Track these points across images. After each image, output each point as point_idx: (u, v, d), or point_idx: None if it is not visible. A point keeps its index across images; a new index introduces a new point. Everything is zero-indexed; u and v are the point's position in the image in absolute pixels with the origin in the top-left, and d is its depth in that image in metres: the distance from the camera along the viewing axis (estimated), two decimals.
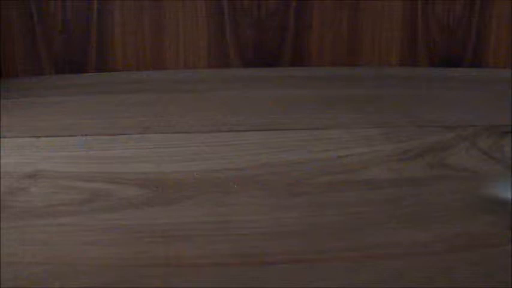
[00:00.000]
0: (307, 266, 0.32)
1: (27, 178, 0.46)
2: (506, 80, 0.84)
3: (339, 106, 0.69)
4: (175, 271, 0.32)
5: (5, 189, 0.43)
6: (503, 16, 0.96)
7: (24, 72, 0.95)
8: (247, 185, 0.44)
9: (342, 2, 0.97)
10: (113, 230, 0.37)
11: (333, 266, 0.32)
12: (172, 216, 0.39)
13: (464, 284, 0.30)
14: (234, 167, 0.48)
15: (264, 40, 0.98)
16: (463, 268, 0.32)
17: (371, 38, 0.98)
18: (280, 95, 0.75)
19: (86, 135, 0.57)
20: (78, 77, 0.92)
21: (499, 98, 0.71)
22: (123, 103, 0.72)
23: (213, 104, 0.71)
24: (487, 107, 0.68)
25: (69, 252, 0.34)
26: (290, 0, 0.96)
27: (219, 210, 0.40)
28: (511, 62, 0.97)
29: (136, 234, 0.36)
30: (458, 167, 0.48)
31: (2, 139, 0.56)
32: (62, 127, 0.60)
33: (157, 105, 0.70)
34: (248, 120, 0.62)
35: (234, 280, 0.31)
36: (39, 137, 0.57)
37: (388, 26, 0.98)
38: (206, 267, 0.32)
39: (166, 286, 0.30)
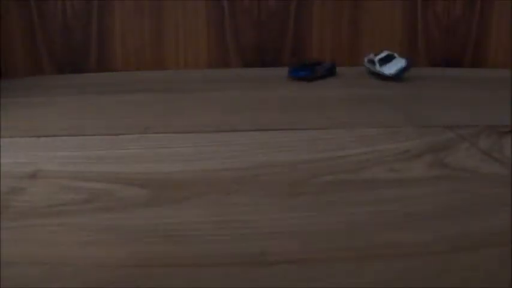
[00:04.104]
0: (307, 266, 0.32)
1: (27, 178, 0.46)
2: (506, 80, 0.84)
3: (339, 106, 0.69)
4: (175, 271, 0.32)
5: (5, 189, 0.43)
6: (503, 16, 0.96)
7: (24, 72, 0.95)
8: (247, 185, 0.44)
9: (342, 2, 0.97)
10: (113, 230, 0.37)
11: (333, 266, 0.32)
12: (172, 216, 0.39)
13: (464, 284, 0.30)
14: (234, 167, 0.48)
15: (264, 40, 0.98)
16: (463, 268, 0.32)
17: (371, 38, 0.98)
18: (280, 95, 0.75)
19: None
20: (78, 77, 0.92)
21: (499, 98, 0.71)
22: (123, 103, 0.72)
23: (213, 104, 0.71)
24: (487, 107, 0.68)
25: (69, 252, 0.34)
26: (290, 0, 0.96)
27: (219, 210, 0.40)
28: (511, 62, 0.97)
29: (136, 234, 0.36)
30: (458, 167, 0.48)
31: (2, 139, 0.56)
32: (62, 127, 0.60)
33: (157, 105, 0.70)
34: (248, 120, 0.62)
35: (234, 280, 0.31)
36: (39, 137, 0.57)
37: (388, 26, 0.98)
38: (206, 267, 0.32)
39: (166, 286, 0.30)
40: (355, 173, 0.46)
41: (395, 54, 0.82)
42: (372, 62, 0.84)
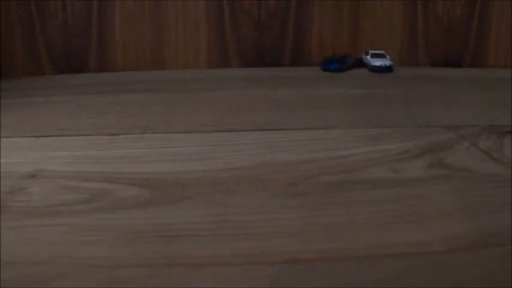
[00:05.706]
0: (307, 266, 0.32)
1: (27, 178, 0.46)
2: (506, 80, 0.84)
3: (339, 106, 0.69)
4: (175, 271, 0.32)
5: (5, 189, 0.43)
6: (503, 16, 0.96)
7: (24, 72, 0.95)
8: (247, 185, 0.44)
9: (342, 2, 0.97)
10: (113, 230, 0.37)
11: (333, 266, 0.32)
12: (172, 216, 0.39)
13: (464, 285, 0.30)
14: (234, 167, 0.48)
15: (264, 40, 0.98)
16: (463, 268, 0.32)
17: (371, 38, 0.98)
18: (280, 95, 0.75)
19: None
20: (78, 77, 0.93)
21: (499, 98, 0.71)
22: (123, 103, 0.72)
23: (213, 104, 0.71)
24: (487, 107, 0.68)
25: (69, 252, 0.34)
26: (290, 0, 0.96)
27: (219, 210, 0.40)
28: (511, 62, 0.97)
29: (136, 234, 0.36)
30: (458, 167, 0.48)
31: (2, 139, 0.56)
32: (62, 127, 0.60)
33: (157, 105, 0.70)
34: (248, 120, 0.62)
35: (234, 280, 0.31)
36: (39, 137, 0.57)
37: (388, 26, 0.98)
38: (206, 267, 0.32)
39: (166, 286, 0.30)
40: (355, 173, 0.46)
41: (388, 57, 0.93)
42: (367, 53, 0.95)
